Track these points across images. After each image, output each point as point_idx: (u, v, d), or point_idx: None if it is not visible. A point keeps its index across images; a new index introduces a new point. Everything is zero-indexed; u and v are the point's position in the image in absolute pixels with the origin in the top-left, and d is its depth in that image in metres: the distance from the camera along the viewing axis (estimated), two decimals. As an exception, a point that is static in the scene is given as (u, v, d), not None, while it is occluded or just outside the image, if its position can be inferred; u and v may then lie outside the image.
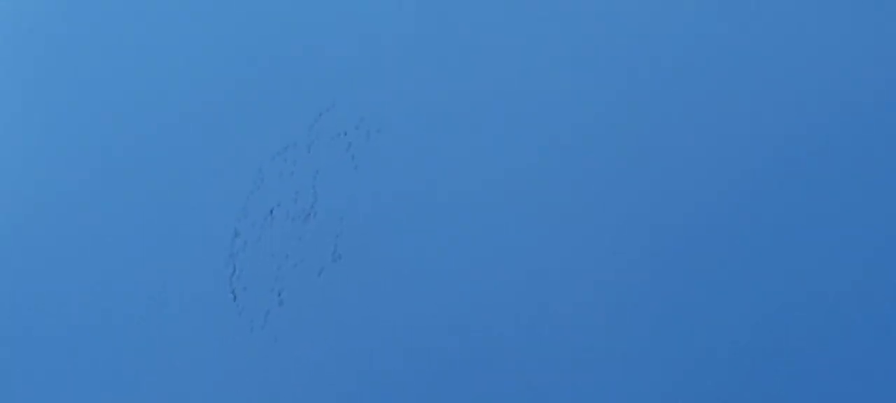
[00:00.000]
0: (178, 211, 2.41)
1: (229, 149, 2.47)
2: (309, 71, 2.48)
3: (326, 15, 2.54)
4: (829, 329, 1.92)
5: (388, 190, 2.28)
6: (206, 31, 2.61)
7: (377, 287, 2.20)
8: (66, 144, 2.54)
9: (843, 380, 1.89)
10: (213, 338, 2.27)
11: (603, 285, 2.09)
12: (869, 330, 1.89)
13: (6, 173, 2.51)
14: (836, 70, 2.09)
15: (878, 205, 1.97)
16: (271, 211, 2.39)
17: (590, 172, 2.18)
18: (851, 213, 1.98)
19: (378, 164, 2.31)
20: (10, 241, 2.44)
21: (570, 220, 2.13)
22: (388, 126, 2.34)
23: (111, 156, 2.52)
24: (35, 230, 2.43)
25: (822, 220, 1.98)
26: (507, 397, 2.10)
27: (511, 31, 2.35)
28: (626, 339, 2.05)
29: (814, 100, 2.06)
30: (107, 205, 2.45)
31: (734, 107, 2.15)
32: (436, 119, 2.31)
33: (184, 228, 2.40)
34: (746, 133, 2.08)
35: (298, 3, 2.58)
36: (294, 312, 2.28)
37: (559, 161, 2.19)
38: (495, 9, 2.40)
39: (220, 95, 2.51)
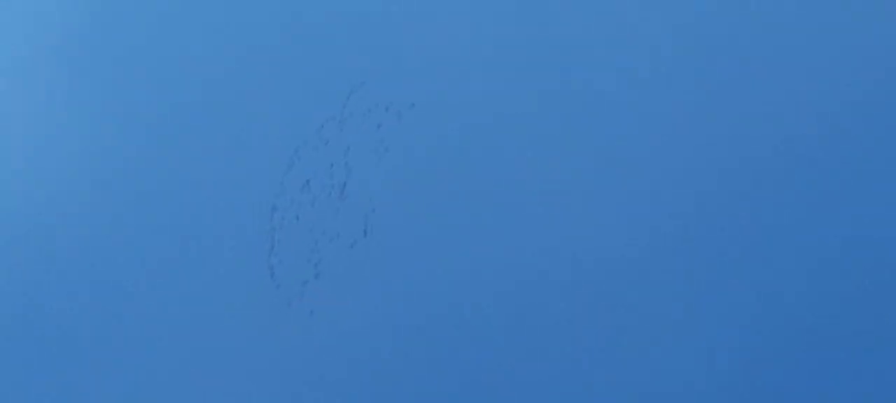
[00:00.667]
0: (219, 188, 2.51)
1: (268, 128, 2.56)
2: (342, 54, 2.54)
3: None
4: (831, 329, 1.94)
5: (415, 169, 2.35)
6: (245, 16, 2.69)
7: (405, 261, 2.29)
8: (116, 124, 2.65)
9: (845, 381, 1.91)
10: (252, 311, 2.38)
11: (628, 263, 2.15)
12: (870, 330, 1.91)
13: (66, 156, 2.63)
14: (837, 70, 2.10)
15: (879, 205, 1.99)
16: (308, 182, 2.48)
17: (618, 157, 2.22)
18: (852, 214, 2.00)
19: (406, 144, 2.38)
20: (57, 220, 2.56)
21: (596, 204, 2.19)
22: (417, 107, 2.40)
23: (157, 135, 2.61)
24: (83, 220, 2.55)
25: (823, 221, 2.00)
26: (532, 362, 2.17)
27: (540, 19, 2.39)
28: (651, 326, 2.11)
29: (816, 100, 2.07)
30: (151, 182, 2.56)
31: (738, 109, 2.17)
32: (462, 102, 2.37)
33: (225, 205, 2.51)
34: (751, 134, 2.10)
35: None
36: (330, 286, 2.37)
37: (588, 144, 2.24)
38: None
39: (257, 78, 2.59)
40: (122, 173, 2.58)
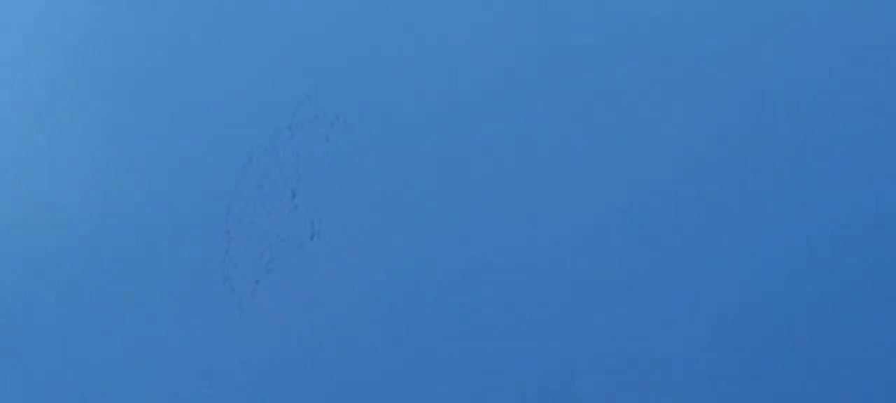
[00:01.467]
0: (175, 194, 2.64)
1: (224, 135, 2.67)
2: (295, 63, 2.65)
3: (315, 9, 2.70)
4: (829, 330, 1.99)
5: (361, 176, 2.48)
6: (200, 27, 2.79)
7: (349, 262, 2.42)
8: (72, 132, 2.76)
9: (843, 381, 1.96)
10: (208, 309, 2.51)
11: (581, 276, 2.22)
12: (869, 330, 1.95)
13: (19, 163, 2.74)
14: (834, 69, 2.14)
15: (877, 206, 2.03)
16: (261, 187, 2.60)
17: (571, 169, 2.29)
18: (849, 212, 2.02)
19: (353, 152, 2.50)
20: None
21: (540, 210, 2.28)
22: (366, 117, 2.52)
23: (109, 144, 2.72)
24: (31, 227, 2.66)
25: (822, 220, 2.05)
26: (485, 371, 2.28)
27: (497, 29, 2.46)
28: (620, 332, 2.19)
29: (814, 99, 2.11)
30: (102, 191, 2.67)
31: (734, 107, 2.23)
32: (410, 113, 2.48)
33: (180, 210, 2.63)
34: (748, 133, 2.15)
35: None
36: (279, 284, 2.50)
37: (538, 156, 2.32)
38: (480, 7, 2.52)
39: (211, 88, 2.70)
40: (79, 180, 2.69)
